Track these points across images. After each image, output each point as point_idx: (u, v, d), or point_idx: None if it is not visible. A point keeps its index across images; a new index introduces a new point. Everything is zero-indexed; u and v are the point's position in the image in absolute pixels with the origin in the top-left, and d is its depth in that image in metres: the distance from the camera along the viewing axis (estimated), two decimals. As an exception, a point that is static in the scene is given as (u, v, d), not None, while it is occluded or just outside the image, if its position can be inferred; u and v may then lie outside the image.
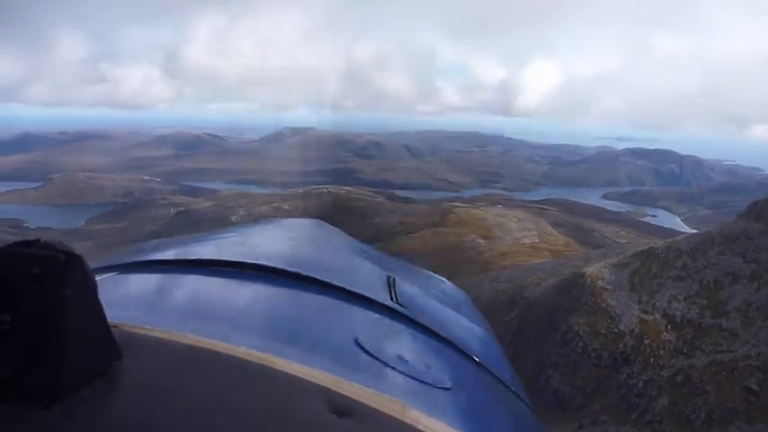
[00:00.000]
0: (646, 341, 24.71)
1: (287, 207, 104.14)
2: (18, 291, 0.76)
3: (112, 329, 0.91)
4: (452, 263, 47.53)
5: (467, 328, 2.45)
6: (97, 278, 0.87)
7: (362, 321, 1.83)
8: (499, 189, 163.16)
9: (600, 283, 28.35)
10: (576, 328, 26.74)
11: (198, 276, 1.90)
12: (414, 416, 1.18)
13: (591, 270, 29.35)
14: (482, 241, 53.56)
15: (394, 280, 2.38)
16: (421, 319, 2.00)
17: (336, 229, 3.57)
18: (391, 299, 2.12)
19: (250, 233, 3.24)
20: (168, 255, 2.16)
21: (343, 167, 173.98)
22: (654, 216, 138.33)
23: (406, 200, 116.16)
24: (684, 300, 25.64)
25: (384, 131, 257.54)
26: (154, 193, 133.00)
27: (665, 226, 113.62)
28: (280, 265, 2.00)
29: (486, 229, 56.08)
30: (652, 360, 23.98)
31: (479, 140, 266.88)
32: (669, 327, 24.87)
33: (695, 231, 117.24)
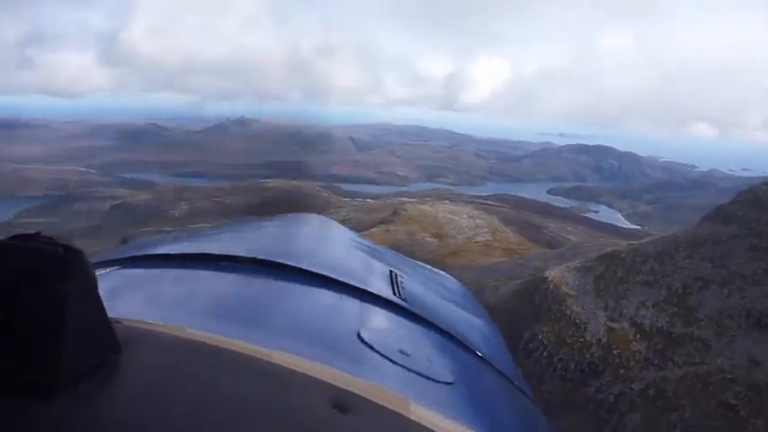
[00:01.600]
0: (614, 351, 23.36)
1: (230, 202, 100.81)
2: (17, 285, 0.76)
3: (112, 323, 0.92)
4: (404, 262, 45.76)
5: (469, 322, 2.45)
6: (98, 273, 0.88)
7: (365, 316, 1.83)
8: (446, 183, 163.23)
9: (564, 288, 26.94)
10: (540, 336, 25.23)
11: (199, 271, 1.91)
12: (417, 410, 1.18)
13: (553, 274, 27.92)
14: (433, 240, 51.89)
15: (396, 275, 2.36)
16: (423, 314, 2.01)
17: (338, 225, 3.37)
18: (394, 294, 2.12)
19: (251, 228, 3.13)
20: (169, 249, 2.13)
21: (289, 160, 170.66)
22: (596, 212, 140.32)
23: (353, 194, 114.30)
24: (653, 306, 24.43)
25: (330, 124, 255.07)
26: (90, 185, 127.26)
27: (609, 222, 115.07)
28: (282, 260, 2.00)
29: (437, 226, 54.45)
30: (622, 372, 22.63)
31: (425, 134, 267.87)
32: (638, 336, 23.61)
33: (638, 227, 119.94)
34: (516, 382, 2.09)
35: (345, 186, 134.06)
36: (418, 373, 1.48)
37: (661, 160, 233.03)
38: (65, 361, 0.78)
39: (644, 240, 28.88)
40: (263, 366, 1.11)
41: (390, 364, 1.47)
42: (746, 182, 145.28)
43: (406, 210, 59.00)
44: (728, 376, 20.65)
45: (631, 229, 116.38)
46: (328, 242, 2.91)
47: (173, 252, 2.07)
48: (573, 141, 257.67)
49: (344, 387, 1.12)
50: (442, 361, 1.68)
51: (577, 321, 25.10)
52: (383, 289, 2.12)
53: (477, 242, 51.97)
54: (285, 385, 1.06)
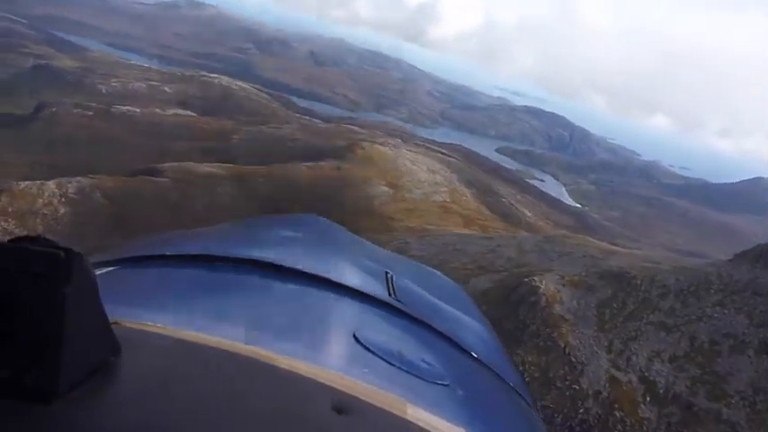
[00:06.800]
0: (617, 413, 18.14)
1: (168, 90, 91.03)
2: (19, 289, 0.76)
3: (112, 326, 0.92)
4: (350, 211, 39.69)
5: (465, 323, 2.45)
6: (97, 273, 0.89)
7: (361, 317, 1.85)
8: (396, 118, 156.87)
9: (557, 307, 21.40)
10: (521, 368, 19.73)
11: (197, 272, 1.93)
12: (413, 412, 1.21)
13: (546, 285, 22.30)
14: (387, 189, 45.71)
15: (392, 276, 2.35)
16: (419, 315, 2.03)
17: (334, 224, 3.29)
18: (389, 294, 2.12)
19: (248, 228, 3.17)
20: (168, 250, 2.12)
21: (239, 58, 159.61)
22: (542, 181, 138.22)
23: (302, 110, 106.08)
24: (670, 361, 19.25)
25: (291, 30, 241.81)
26: (14, 35, 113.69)
27: (555, 196, 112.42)
28: (278, 261, 2.01)
29: (395, 175, 48.15)
30: (624, 444, 17.51)
31: (383, 62, 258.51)
32: (649, 398, 18.43)
33: (579, 206, 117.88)
34: (513, 385, 2.08)
35: (295, 99, 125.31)
36: (415, 375, 1.50)
37: (609, 141, 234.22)
38: (65, 364, 0.79)
39: (663, 266, 23.53)
40: (262, 368, 1.13)
41: (387, 365, 1.49)
42: (685, 181, 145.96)
43: (362, 148, 52.15)
44: (766, 486, 15.80)
45: (575, 207, 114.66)
46: (323, 242, 2.79)
47: (171, 253, 2.04)
48: (528, 103, 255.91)
49: (341, 389, 1.14)
50: (438, 362, 1.69)
51: (573, 359, 19.69)
52: (379, 290, 2.09)
53: (434, 202, 46.30)
54: (282, 387, 1.08)
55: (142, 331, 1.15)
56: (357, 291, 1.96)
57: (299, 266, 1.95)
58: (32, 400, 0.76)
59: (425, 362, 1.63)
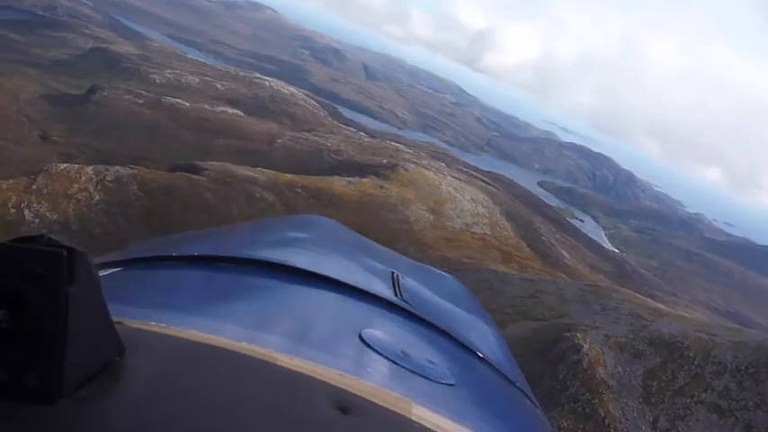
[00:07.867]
0: (658, 501, 16.48)
1: (219, 86, 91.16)
2: (21, 289, 0.76)
3: (116, 326, 0.92)
4: (387, 233, 38.44)
5: (471, 324, 2.47)
6: (101, 274, 0.89)
7: (367, 317, 1.85)
8: (441, 140, 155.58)
9: (600, 371, 19.72)
10: (556, 433, 18.13)
11: (201, 272, 1.94)
12: (418, 412, 1.21)
13: (589, 345, 20.65)
14: (428, 215, 44.37)
15: (398, 276, 2.37)
16: (425, 316, 2.04)
17: (339, 224, 3.30)
18: (395, 295, 2.13)
19: (253, 229, 3.21)
20: (172, 251, 2.13)
21: (294, 63, 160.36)
22: (581, 221, 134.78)
23: (349, 122, 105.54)
24: (721, 450, 17.49)
25: (346, 41, 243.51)
26: (79, 16, 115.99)
27: (593, 237, 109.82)
28: (283, 261, 2.02)
29: (437, 201, 46.80)
30: None
31: (435, 82, 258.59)
32: (695, 489, 16.73)
33: (616, 251, 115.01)
34: (518, 384, 2.10)
35: (342, 110, 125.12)
36: (420, 375, 1.51)
37: (654, 188, 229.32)
38: (68, 364, 0.79)
39: (719, 337, 21.66)
40: (267, 368, 1.13)
41: (392, 365, 1.50)
42: (728, 237, 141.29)
43: (406, 169, 50.89)
44: None
45: (613, 252, 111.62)
46: (329, 243, 2.75)
47: (175, 254, 2.05)
48: (576, 140, 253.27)
49: (346, 388, 1.15)
50: (443, 362, 1.71)
51: (613, 431, 18.02)
52: (384, 290, 2.10)
53: (474, 233, 44.74)
54: (288, 387, 1.08)
55: (146, 331, 1.15)
56: (363, 291, 1.95)
57: (305, 267, 1.94)
58: (35, 401, 0.77)
59: (431, 362, 1.62)
